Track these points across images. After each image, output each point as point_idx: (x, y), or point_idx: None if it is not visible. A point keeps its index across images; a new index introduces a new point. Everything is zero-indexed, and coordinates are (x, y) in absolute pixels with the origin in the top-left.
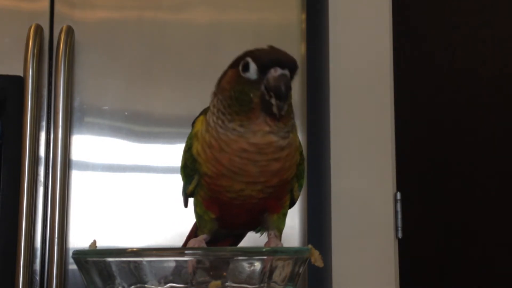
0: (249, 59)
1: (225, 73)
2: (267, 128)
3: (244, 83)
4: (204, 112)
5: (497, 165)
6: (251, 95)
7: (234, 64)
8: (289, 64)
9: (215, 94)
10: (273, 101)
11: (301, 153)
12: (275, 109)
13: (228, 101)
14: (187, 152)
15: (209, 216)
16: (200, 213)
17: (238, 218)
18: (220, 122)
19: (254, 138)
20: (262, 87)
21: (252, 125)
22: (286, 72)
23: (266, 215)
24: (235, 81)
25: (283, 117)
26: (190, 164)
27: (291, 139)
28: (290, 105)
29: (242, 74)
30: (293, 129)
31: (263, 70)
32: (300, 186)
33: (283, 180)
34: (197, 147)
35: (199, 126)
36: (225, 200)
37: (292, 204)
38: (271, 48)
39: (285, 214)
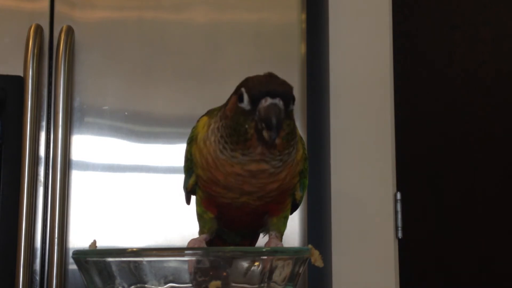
0: (243, 90)
1: (230, 98)
2: (258, 157)
3: (240, 113)
4: (209, 113)
5: (497, 165)
6: (246, 126)
7: (236, 91)
8: (281, 92)
9: (220, 117)
10: (264, 131)
11: (304, 151)
12: (267, 139)
13: (229, 130)
14: (187, 145)
15: (208, 215)
16: (200, 212)
17: (238, 219)
18: (221, 146)
19: (248, 165)
20: (256, 117)
21: (251, 154)
22: (277, 101)
23: (266, 217)
24: (234, 110)
25: (280, 145)
26: (188, 160)
27: (292, 160)
28: (291, 132)
29: (239, 104)
30: (294, 144)
31: (254, 101)
32: (303, 186)
33: (283, 191)
34: (195, 149)
35: (201, 129)
36: (222, 203)
37: (295, 208)
38: (267, 76)
39: (286, 217)
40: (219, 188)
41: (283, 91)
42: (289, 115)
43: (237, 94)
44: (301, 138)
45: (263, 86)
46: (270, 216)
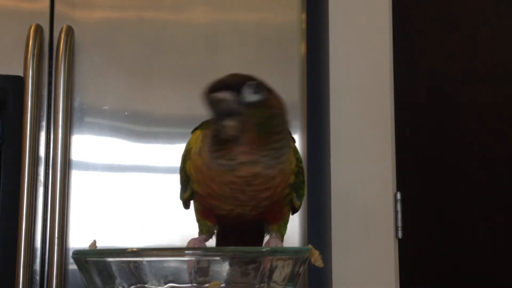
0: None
1: None
2: (244, 158)
3: (212, 118)
4: (201, 126)
5: (497, 165)
6: (214, 128)
7: None
8: (226, 84)
9: (210, 127)
10: (216, 126)
11: (299, 164)
12: (223, 134)
13: (212, 138)
14: (182, 162)
15: (207, 223)
16: (198, 218)
17: (238, 227)
18: (210, 155)
19: (240, 171)
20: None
21: (236, 157)
22: (221, 93)
23: (266, 224)
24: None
25: (255, 139)
26: (183, 176)
27: (284, 164)
28: (267, 123)
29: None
30: (283, 150)
31: (205, 101)
32: (300, 196)
33: (276, 201)
34: (189, 165)
35: (193, 143)
36: (219, 214)
37: (294, 211)
38: (224, 76)
39: (285, 223)
40: (214, 201)
41: (229, 82)
42: (256, 105)
43: None
44: (296, 151)
45: (210, 84)
46: (270, 224)
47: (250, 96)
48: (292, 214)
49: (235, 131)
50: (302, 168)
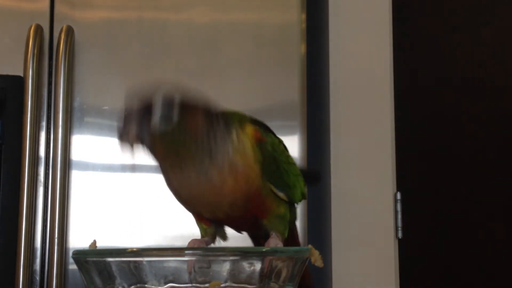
0: None
1: None
2: (166, 161)
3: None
4: None
5: (497, 165)
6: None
7: None
8: (133, 114)
9: None
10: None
11: (266, 153)
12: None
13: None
14: None
15: (203, 226)
16: (196, 221)
17: (234, 225)
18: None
19: (174, 178)
20: None
21: (162, 162)
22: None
23: (259, 220)
24: None
25: (159, 146)
26: None
27: (224, 166)
28: (185, 146)
29: None
30: (212, 154)
31: None
32: (283, 186)
33: (250, 197)
34: None
35: None
36: (208, 217)
37: (292, 206)
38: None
39: (278, 217)
40: (192, 210)
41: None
42: (165, 132)
43: None
44: (262, 140)
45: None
46: (260, 218)
47: (159, 122)
48: (301, 200)
49: (133, 139)
50: (275, 156)
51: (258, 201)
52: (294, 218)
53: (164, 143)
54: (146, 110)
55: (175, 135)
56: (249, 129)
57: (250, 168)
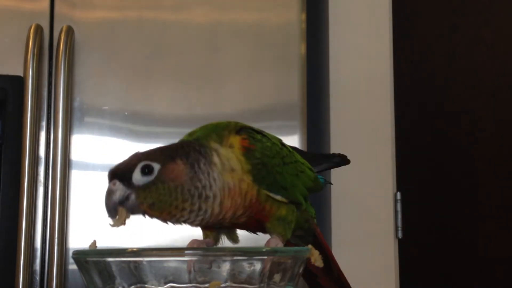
0: None
1: None
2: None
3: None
4: None
5: (497, 165)
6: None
7: None
8: (114, 173)
9: None
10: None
11: (254, 160)
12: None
13: None
14: None
15: (206, 233)
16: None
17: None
18: None
19: (186, 223)
20: None
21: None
22: (110, 185)
23: (263, 223)
24: None
25: (166, 216)
26: None
27: (218, 191)
28: (164, 200)
29: None
30: (191, 205)
31: None
32: (278, 189)
33: (249, 206)
34: None
35: None
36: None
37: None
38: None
39: (279, 219)
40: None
41: (117, 171)
42: (146, 186)
43: None
44: (249, 148)
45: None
46: (264, 222)
47: (140, 179)
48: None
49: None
50: (264, 162)
51: (258, 207)
52: (307, 216)
53: (150, 202)
54: (127, 174)
55: (159, 189)
56: (234, 140)
57: (241, 180)
